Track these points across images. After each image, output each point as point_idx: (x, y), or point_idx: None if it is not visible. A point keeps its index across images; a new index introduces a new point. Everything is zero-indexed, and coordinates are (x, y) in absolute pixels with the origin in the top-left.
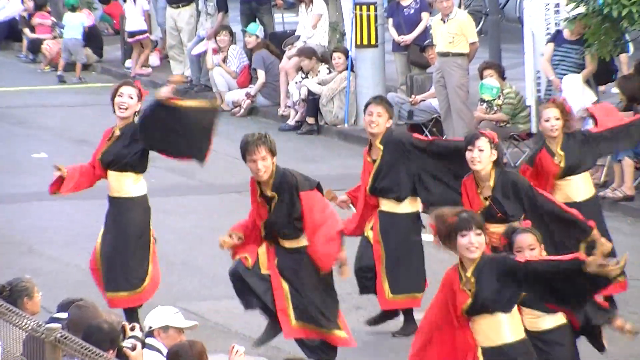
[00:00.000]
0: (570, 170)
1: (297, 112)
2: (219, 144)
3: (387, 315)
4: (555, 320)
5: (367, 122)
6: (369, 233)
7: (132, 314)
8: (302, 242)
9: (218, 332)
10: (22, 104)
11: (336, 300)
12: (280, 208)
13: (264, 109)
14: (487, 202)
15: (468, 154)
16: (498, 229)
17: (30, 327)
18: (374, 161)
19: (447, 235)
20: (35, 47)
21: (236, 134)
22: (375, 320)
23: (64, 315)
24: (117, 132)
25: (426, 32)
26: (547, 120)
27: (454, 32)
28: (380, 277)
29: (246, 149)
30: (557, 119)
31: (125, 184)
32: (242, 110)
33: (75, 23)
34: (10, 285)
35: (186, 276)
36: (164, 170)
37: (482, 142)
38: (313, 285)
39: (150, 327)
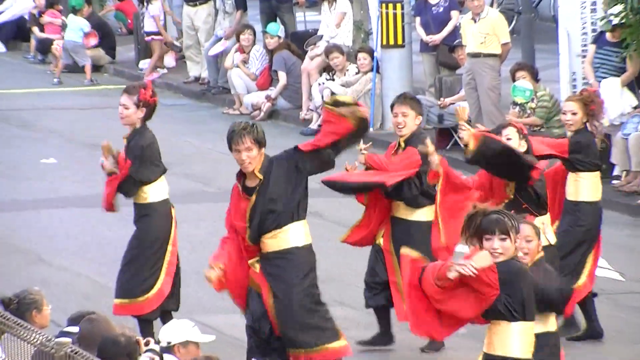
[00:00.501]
0: (570, 165)
1: (319, 116)
2: None
3: (383, 338)
4: (543, 326)
5: (394, 125)
6: (380, 241)
7: (146, 327)
8: (288, 241)
9: (235, 347)
10: (30, 106)
11: (323, 304)
12: (267, 186)
13: (284, 113)
14: (512, 194)
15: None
16: None
17: (39, 342)
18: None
19: (471, 233)
20: (44, 47)
21: None
22: (370, 342)
23: (74, 329)
24: (125, 142)
25: (455, 31)
26: (564, 114)
27: (485, 31)
28: (397, 288)
29: (231, 139)
30: (574, 113)
31: (142, 190)
32: (262, 114)
33: (76, 26)
34: (18, 297)
35: (201, 287)
36: (180, 177)
37: (510, 132)
38: (298, 294)
39: (169, 342)
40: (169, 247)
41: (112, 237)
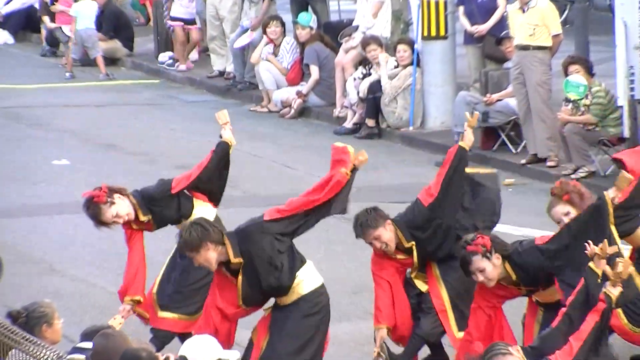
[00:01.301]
0: None
1: (355, 113)
2: (265, 150)
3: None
4: None
5: (378, 249)
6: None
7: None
8: (297, 292)
9: None
10: (41, 103)
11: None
12: (252, 266)
13: (317, 110)
14: (524, 290)
15: (473, 278)
16: (549, 290)
17: (49, 359)
18: (410, 255)
19: None
20: (54, 38)
21: (284, 139)
22: None
23: (88, 344)
24: (145, 217)
25: (503, 21)
26: (559, 222)
27: (534, 22)
28: (447, 316)
29: None
30: (567, 213)
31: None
32: (293, 111)
33: (88, 11)
34: (27, 310)
35: None
36: None
37: (477, 263)
38: (290, 333)
39: None
40: None
41: None
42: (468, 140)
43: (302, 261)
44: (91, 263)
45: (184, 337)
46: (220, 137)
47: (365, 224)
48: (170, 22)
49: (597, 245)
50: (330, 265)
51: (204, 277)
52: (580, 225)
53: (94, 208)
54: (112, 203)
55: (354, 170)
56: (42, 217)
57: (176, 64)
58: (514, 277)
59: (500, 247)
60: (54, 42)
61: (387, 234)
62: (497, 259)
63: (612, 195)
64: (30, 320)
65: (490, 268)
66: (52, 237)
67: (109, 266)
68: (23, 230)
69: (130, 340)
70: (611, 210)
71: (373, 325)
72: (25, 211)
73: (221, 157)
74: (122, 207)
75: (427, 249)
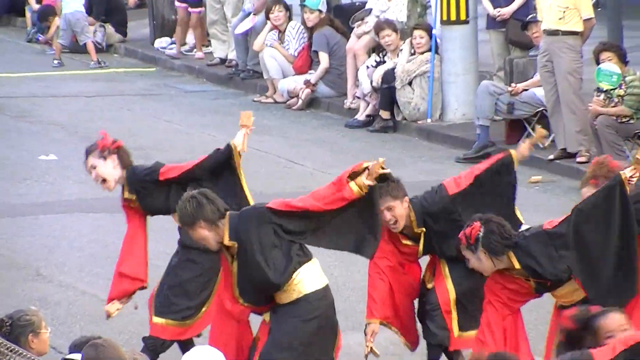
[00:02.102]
0: None
1: (367, 105)
2: (270, 144)
3: None
4: None
5: (384, 222)
6: (429, 278)
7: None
8: (298, 290)
9: None
10: (26, 93)
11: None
12: (245, 252)
13: (326, 101)
14: (533, 282)
15: (469, 265)
16: (564, 290)
17: None
18: (417, 243)
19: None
20: (40, 20)
21: (291, 132)
22: None
23: (77, 356)
24: (130, 196)
25: (529, 3)
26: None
27: (564, 5)
28: (450, 314)
29: None
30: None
31: None
32: (300, 102)
33: None
34: (12, 319)
35: None
36: None
37: (463, 252)
38: (284, 340)
39: None
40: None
41: None
42: (521, 152)
43: (308, 257)
44: (81, 268)
45: (184, 346)
46: None
47: (384, 190)
48: (177, 3)
49: None
50: (343, 270)
51: (194, 279)
52: (590, 207)
53: (92, 146)
54: (104, 159)
55: (373, 190)
56: (27, 217)
57: (194, 51)
58: (517, 265)
59: (501, 237)
60: (39, 26)
61: (401, 208)
62: (482, 253)
63: (630, 173)
64: (15, 330)
65: (473, 259)
66: (39, 240)
67: (99, 271)
68: (6, 232)
69: (124, 351)
70: (627, 189)
71: (366, 317)
72: (9, 211)
73: (221, 159)
74: (104, 169)
75: (433, 240)
